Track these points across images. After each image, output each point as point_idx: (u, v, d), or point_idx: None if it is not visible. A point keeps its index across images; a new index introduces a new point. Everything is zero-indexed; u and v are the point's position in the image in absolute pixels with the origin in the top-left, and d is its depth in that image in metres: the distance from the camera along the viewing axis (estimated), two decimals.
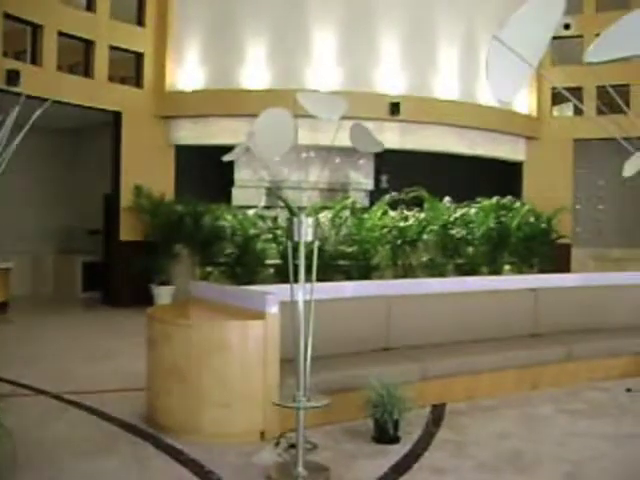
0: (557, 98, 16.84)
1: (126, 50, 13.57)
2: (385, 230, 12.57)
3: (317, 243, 4.55)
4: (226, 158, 4.62)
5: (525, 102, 16.53)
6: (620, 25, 1.73)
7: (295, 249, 4.49)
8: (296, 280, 4.48)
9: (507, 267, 13.74)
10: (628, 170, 5.84)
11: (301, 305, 4.47)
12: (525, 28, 2.14)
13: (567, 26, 16.11)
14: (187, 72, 13.89)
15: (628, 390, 6.80)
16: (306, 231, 4.36)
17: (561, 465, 4.75)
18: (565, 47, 14.63)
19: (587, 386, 6.93)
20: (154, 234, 12.86)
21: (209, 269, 12.32)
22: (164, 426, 5.31)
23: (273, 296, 5.22)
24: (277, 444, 4.95)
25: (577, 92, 14.57)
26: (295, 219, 4.37)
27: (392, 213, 12.95)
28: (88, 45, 12.96)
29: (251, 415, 5.15)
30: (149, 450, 4.95)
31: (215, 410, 5.13)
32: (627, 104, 16.35)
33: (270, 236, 12.15)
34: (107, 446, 5.01)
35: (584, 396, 6.62)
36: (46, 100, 4.57)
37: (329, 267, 11.64)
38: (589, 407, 6.29)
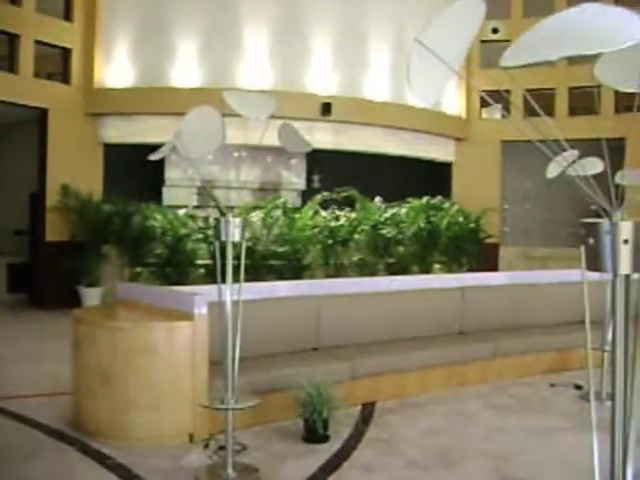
0: (487, 100, 17.17)
1: (53, 45, 13.20)
2: (316, 230, 12.59)
3: (247, 243, 4.52)
4: (152, 157, 4.54)
5: (455, 104, 16.81)
6: (535, 30, 1.77)
7: (223, 249, 4.45)
8: (224, 280, 4.44)
9: (437, 266, 13.93)
10: (551, 172, 5.98)
11: (229, 306, 4.44)
12: (447, 31, 2.16)
13: (495, 30, 16.47)
14: (116, 69, 13.62)
15: (552, 385, 7.00)
16: (233, 231, 4.33)
17: (488, 460, 4.85)
18: (493, 51, 14.94)
19: (513, 382, 7.11)
20: (82, 234, 12.57)
21: (138, 270, 12.11)
22: (91, 431, 5.20)
23: (201, 297, 5.17)
24: (206, 446, 4.91)
25: (506, 95, 14.88)
26: (222, 219, 4.33)
27: (323, 213, 12.99)
28: (13, 39, 12.55)
29: (179, 418, 5.09)
30: (75, 456, 4.84)
31: (143, 413, 5.05)
32: (552, 107, 16.81)
33: (201, 236, 12.03)
34: (31, 453, 4.87)
35: (510, 392, 6.78)
36: None
37: (260, 267, 11.60)
38: (515, 402, 6.44)
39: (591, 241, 2.09)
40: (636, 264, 2.04)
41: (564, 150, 2.26)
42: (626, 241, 2.03)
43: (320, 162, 14.45)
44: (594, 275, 2.18)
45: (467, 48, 2.22)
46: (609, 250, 2.05)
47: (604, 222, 2.05)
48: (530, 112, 2.31)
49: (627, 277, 2.13)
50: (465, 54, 2.25)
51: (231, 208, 4.49)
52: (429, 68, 2.14)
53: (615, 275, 2.09)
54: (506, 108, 15.68)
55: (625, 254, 2.04)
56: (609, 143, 3.01)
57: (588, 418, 2.30)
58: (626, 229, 2.04)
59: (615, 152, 2.41)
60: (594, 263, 2.10)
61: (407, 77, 2.11)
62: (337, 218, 13.04)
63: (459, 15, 2.15)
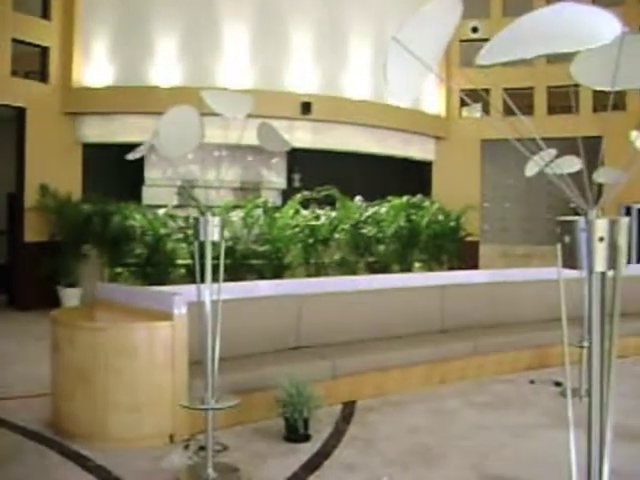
0: (468, 98, 17.25)
1: (31, 44, 13.08)
2: (297, 229, 12.59)
3: (228, 242, 4.51)
4: (130, 156, 4.52)
5: (435, 103, 16.87)
6: (510, 29, 1.77)
7: (203, 249, 4.44)
8: (203, 280, 4.42)
9: (417, 265, 13.97)
10: (529, 170, 6.02)
11: (208, 305, 4.42)
12: (424, 30, 2.16)
13: (475, 29, 16.55)
14: (95, 68, 13.53)
15: (532, 382, 7.04)
16: (212, 230, 4.31)
17: (468, 457, 4.87)
18: (473, 50, 14.99)
19: (493, 379, 7.14)
20: (61, 234, 12.48)
21: (118, 270, 12.04)
22: (70, 433, 5.16)
23: (181, 297, 5.15)
24: (187, 447, 4.90)
25: (483, 95, 14.96)
26: (201, 218, 4.32)
27: (304, 212, 12.98)
28: None
29: (160, 418, 5.06)
30: (54, 458, 4.79)
31: (122, 414, 5.02)
32: (531, 106, 16.92)
33: (181, 236, 11.98)
34: (10, 456, 4.82)
35: (490, 389, 6.82)
36: None
37: (241, 266, 11.57)
38: (495, 399, 6.47)
39: (567, 239, 2.10)
40: (611, 261, 2.05)
41: (540, 149, 2.27)
42: (601, 239, 2.05)
43: (300, 161, 14.44)
44: (573, 272, 2.20)
45: (444, 47, 2.22)
46: (585, 248, 2.06)
47: (580, 220, 2.06)
48: (510, 111, 2.32)
49: (603, 274, 2.14)
50: (442, 53, 2.26)
51: (211, 207, 4.47)
52: (406, 66, 2.14)
53: (591, 272, 2.11)
54: (486, 107, 15.77)
55: (600, 252, 2.06)
56: (587, 141, 3.03)
57: (568, 415, 2.32)
58: (601, 227, 2.05)
59: (593, 150, 2.43)
60: (570, 261, 2.12)
61: (384, 75, 2.11)
62: (318, 217, 13.03)
63: (436, 14, 2.15)
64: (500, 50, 1.78)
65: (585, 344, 6.11)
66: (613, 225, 2.06)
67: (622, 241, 2.06)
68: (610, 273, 2.12)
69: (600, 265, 2.06)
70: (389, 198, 14.03)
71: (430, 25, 2.17)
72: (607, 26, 1.68)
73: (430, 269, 13.76)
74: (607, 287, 2.15)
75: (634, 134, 3.67)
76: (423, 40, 2.14)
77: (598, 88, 2.22)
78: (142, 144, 4.66)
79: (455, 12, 2.17)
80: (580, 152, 2.37)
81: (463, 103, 17.25)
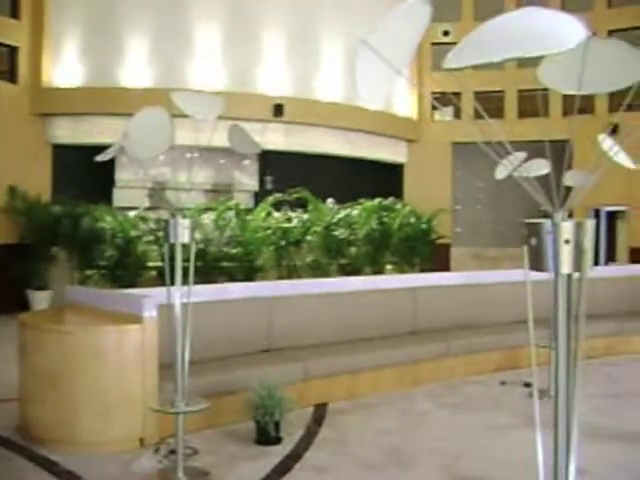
0: (439, 102, 17.37)
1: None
2: (269, 231, 12.59)
3: (199, 245, 4.49)
4: (99, 158, 4.48)
5: (406, 106, 16.95)
6: (477, 33, 1.79)
7: (173, 251, 4.41)
8: (173, 283, 4.39)
9: (389, 267, 14.03)
10: (500, 173, 6.07)
11: (178, 308, 4.40)
12: (393, 33, 2.17)
13: (446, 33, 16.68)
14: (65, 68, 13.41)
15: (502, 383, 7.10)
16: (182, 233, 4.29)
17: (440, 458, 4.89)
18: (444, 53, 15.08)
19: (464, 380, 7.19)
20: (30, 237, 12.34)
21: (88, 272, 11.94)
22: (38, 438, 5.09)
23: (150, 299, 5.11)
24: (157, 451, 4.87)
25: (451, 98, 15.08)
26: (171, 220, 4.29)
27: (276, 214, 12.98)
28: None
29: (129, 422, 5.02)
30: (22, 464, 4.72)
31: (92, 418, 4.97)
32: (502, 109, 17.08)
33: (152, 238, 11.91)
34: None
35: (461, 390, 6.86)
36: None
37: (213, 269, 11.54)
38: (466, 401, 6.51)
39: (534, 241, 2.12)
40: (577, 263, 2.07)
41: (509, 153, 2.29)
42: (567, 241, 2.07)
43: (273, 163, 14.44)
44: (542, 274, 2.22)
45: (413, 50, 2.23)
46: (551, 250, 2.08)
47: (546, 223, 2.08)
48: (481, 114, 2.33)
49: (569, 276, 2.17)
50: (411, 56, 2.26)
51: (182, 210, 4.44)
52: (375, 69, 2.15)
53: (557, 274, 2.13)
54: (458, 110, 15.88)
55: (566, 254, 2.08)
56: (557, 145, 3.06)
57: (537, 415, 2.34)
58: (567, 229, 2.07)
59: (563, 154, 2.45)
60: (537, 263, 2.14)
61: (353, 78, 2.11)
62: (290, 219, 13.04)
63: (405, 17, 2.16)
64: (466, 54, 1.80)
65: (554, 345, 6.16)
66: (579, 228, 2.09)
67: (587, 243, 2.09)
68: (576, 275, 2.14)
69: (566, 267, 2.09)
70: (361, 200, 14.08)
71: (399, 28, 2.18)
72: (572, 31, 1.70)
73: (402, 271, 13.83)
74: (573, 289, 2.17)
75: (601, 137, 3.71)
76: (392, 43, 2.15)
77: (565, 92, 2.25)
78: (112, 145, 4.62)
79: (424, 16, 2.17)
80: (547, 155, 2.39)
81: (435, 106, 17.36)
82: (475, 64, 1.81)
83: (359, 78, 2.17)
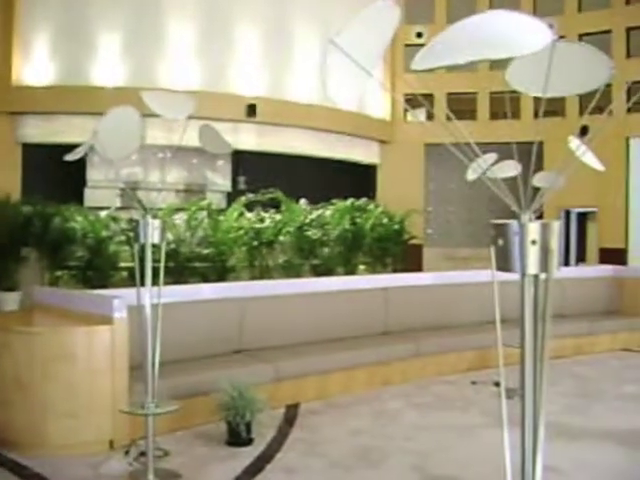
0: (412, 103, 17.45)
1: None
2: (241, 232, 12.55)
3: (171, 245, 4.46)
4: (68, 157, 4.44)
5: (380, 107, 17.01)
6: (444, 35, 1.80)
7: (143, 251, 4.38)
8: (143, 283, 4.37)
9: (362, 267, 14.06)
10: (470, 175, 6.12)
11: (148, 309, 4.37)
12: (362, 33, 2.17)
13: (419, 34, 16.77)
14: (36, 66, 13.28)
15: (473, 383, 7.14)
16: (153, 233, 4.26)
17: (411, 458, 4.91)
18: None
19: (435, 380, 7.22)
20: None
21: (59, 273, 11.81)
22: (6, 441, 5.01)
23: (120, 300, 5.07)
24: (127, 453, 4.83)
25: (422, 100, 15.15)
26: (141, 221, 4.26)
27: (249, 215, 12.95)
28: None
29: (99, 424, 4.97)
30: None
31: (61, 421, 4.91)
32: (474, 111, 17.21)
33: (123, 238, 11.81)
34: None
35: (432, 390, 6.89)
36: None
37: (185, 269, 11.48)
38: (437, 400, 6.55)
39: (501, 242, 2.14)
40: (543, 264, 2.09)
41: (476, 155, 2.31)
42: (534, 242, 2.09)
43: (246, 164, 14.41)
44: (511, 274, 2.24)
45: (383, 51, 2.24)
46: (517, 250, 2.10)
47: (512, 223, 2.10)
48: (454, 116, 2.35)
49: (535, 277, 2.19)
50: (381, 57, 2.27)
51: (153, 210, 4.41)
52: (344, 70, 2.15)
53: (524, 275, 2.15)
54: (430, 112, 15.96)
55: (533, 254, 2.10)
56: (528, 146, 3.08)
57: (507, 414, 2.36)
58: (534, 230, 2.09)
59: (535, 155, 2.48)
60: (504, 263, 2.16)
61: (322, 78, 2.11)
62: (262, 220, 13.02)
63: (375, 18, 2.17)
64: (433, 56, 1.81)
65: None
66: (545, 228, 2.11)
67: (554, 244, 2.11)
68: (543, 276, 2.16)
69: (532, 268, 2.11)
70: (334, 201, 14.10)
71: (368, 29, 2.18)
72: (537, 34, 1.71)
73: (374, 272, 13.86)
74: (540, 289, 2.19)
75: (570, 139, 3.76)
76: (361, 44, 2.15)
77: (532, 94, 2.27)
78: (82, 145, 4.58)
79: (393, 18, 2.18)
80: (514, 156, 2.41)
81: (411, 107, 17.44)
82: (444, 66, 1.82)
83: (327, 78, 2.17)
